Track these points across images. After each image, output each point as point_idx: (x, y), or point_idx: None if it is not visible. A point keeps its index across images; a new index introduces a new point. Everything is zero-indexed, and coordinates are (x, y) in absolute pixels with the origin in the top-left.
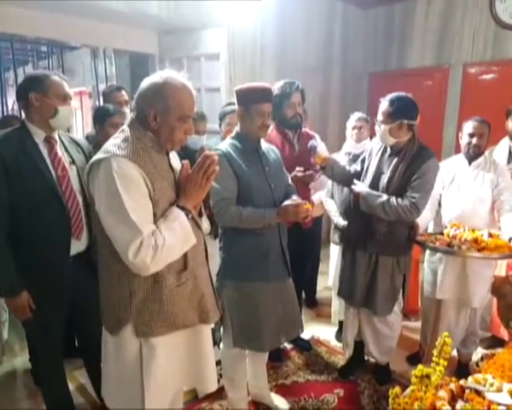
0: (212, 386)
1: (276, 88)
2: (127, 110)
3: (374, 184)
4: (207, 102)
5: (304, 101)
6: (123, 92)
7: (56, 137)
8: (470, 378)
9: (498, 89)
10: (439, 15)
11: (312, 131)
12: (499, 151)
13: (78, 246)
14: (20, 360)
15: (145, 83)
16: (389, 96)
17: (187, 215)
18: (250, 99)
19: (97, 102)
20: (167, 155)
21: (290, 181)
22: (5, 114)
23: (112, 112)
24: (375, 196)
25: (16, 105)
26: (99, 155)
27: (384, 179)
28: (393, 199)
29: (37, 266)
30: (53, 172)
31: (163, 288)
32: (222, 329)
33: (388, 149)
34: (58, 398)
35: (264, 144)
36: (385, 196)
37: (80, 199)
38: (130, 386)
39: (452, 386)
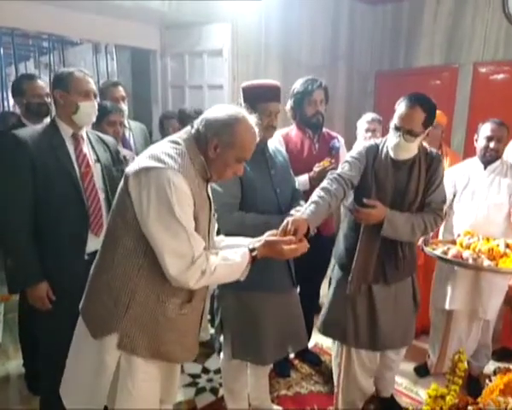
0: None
1: (297, 84)
2: (124, 106)
3: (394, 203)
4: (210, 100)
5: (327, 99)
6: (119, 88)
7: (84, 135)
8: (490, 401)
9: (510, 89)
10: (449, 13)
11: (335, 132)
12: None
13: (96, 243)
14: (14, 363)
15: (220, 111)
16: (415, 96)
17: (250, 263)
18: (257, 97)
19: (99, 99)
20: (208, 182)
21: (298, 185)
22: (6, 109)
23: (109, 109)
24: (401, 217)
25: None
26: (152, 162)
27: (409, 195)
28: (421, 215)
29: (52, 260)
30: (77, 168)
31: (164, 310)
32: (222, 338)
33: (391, 161)
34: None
35: (271, 146)
36: (409, 214)
37: (102, 196)
38: (87, 387)
39: (470, 409)
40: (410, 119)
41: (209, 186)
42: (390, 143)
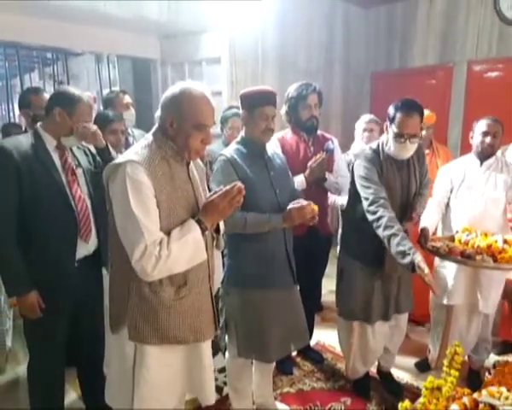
0: (211, 399)
1: (292, 89)
2: (132, 111)
3: (402, 196)
4: None
5: (321, 103)
6: (126, 96)
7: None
8: (484, 391)
9: (504, 86)
10: (442, 13)
11: (329, 134)
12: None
13: (86, 248)
14: (24, 367)
15: (167, 92)
16: (409, 104)
17: (203, 231)
18: (253, 102)
19: (101, 107)
20: (188, 165)
21: (296, 186)
22: (11, 120)
23: (111, 118)
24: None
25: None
26: (118, 159)
27: (413, 186)
28: (423, 199)
29: (43, 267)
30: (63, 176)
31: (160, 298)
32: (227, 337)
33: (394, 162)
34: None
35: (269, 149)
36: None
37: (88, 201)
38: (123, 386)
39: (465, 400)
40: (413, 125)
41: (191, 168)
42: (394, 148)
